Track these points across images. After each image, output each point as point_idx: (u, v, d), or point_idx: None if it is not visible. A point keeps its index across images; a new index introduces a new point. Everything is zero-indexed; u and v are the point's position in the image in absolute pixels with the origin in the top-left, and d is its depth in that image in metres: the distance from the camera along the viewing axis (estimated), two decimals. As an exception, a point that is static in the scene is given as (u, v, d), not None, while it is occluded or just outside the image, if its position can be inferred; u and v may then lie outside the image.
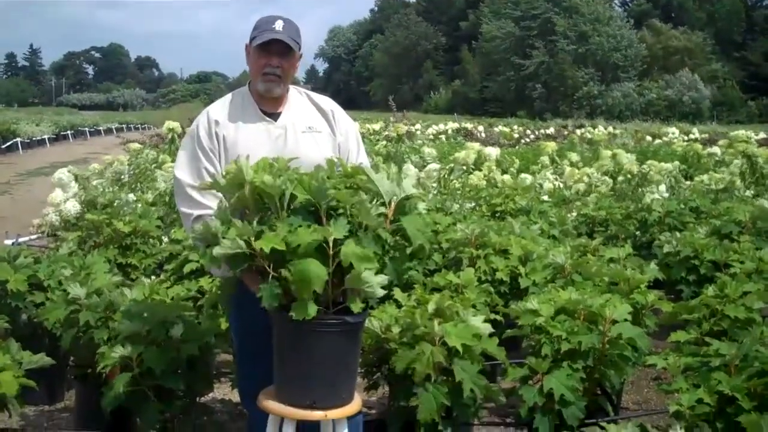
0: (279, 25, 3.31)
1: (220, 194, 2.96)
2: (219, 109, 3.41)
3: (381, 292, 2.71)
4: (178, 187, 3.35)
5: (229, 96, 3.50)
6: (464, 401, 3.47)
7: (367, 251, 2.66)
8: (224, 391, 5.08)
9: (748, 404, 3.06)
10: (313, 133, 3.40)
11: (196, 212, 3.23)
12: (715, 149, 15.72)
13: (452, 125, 32.81)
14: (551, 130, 35.41)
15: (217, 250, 2.75)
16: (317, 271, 2.61)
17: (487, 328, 3.65)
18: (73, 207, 7.74)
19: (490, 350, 3.61)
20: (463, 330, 3.51)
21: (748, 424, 2.99)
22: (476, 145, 13.92)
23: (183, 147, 3.43)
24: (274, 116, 3.40)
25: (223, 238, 2.74)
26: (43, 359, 3.58)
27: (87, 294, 4.12)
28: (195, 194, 3.25)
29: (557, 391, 3.55)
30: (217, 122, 3.34)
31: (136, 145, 12.47)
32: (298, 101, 3.48)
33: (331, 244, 2.66)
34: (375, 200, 2.80)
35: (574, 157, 14.21)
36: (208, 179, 3.17)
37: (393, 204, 2.80)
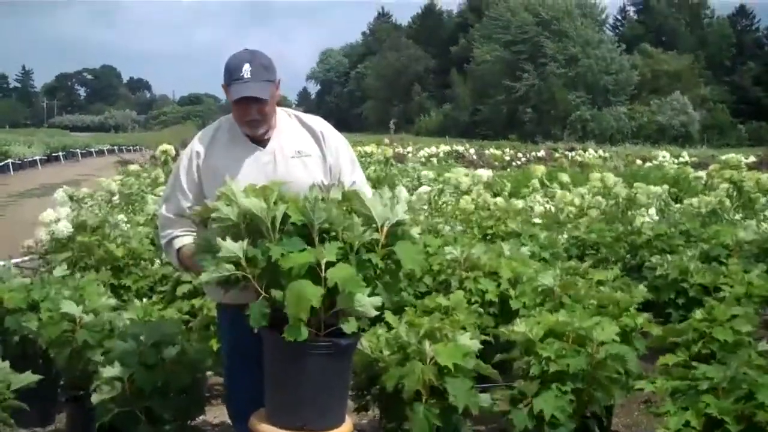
0: (246, 71, 3.19)
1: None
2: (205, 138, 3.42)
3: (373, 312, 2.73)
4: (158, 221, 3.56)
5: (217, 123, 3.51)
6: (456, 421, 3.48)
7: (357, 274, 2.68)
8: (215, 414, 5.07)
9: (736, 427, 3.08)
10: (303, 157, 3.37)
11: (165, 240, 3.40)
12: (701, 174, 15.86)
13: (444, 148, 32.92)
14: (542, 153, 35.55)
15: (205, 277, 2.80)
16: (312, 291, 2.63)
17: (475, 345, 3.67)
18: (65, 227, 7.72)
19: (480, 369, 3.63)
20: (453, 349, 3.52)
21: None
22: (462, 170, 13.91)
23: (169, 180, 3.53)
24: (263, 143, 3.38)
25: (213, 259, 2.77)
26: (29, 377, 3.55)
27: (84, 312, 4.13)
28: (166, 223, 3.42)
29: (547, 413, 3.57)
30: (198, 154, 3.37)
31: (134, 167, 12.62)
32: (288, 125, 3.45)
33: (323, 267, 2.68)
34: (368, 224, 2.83)
35: (565, 177, 14.23)
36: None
37: (385, 228, 2.83)
